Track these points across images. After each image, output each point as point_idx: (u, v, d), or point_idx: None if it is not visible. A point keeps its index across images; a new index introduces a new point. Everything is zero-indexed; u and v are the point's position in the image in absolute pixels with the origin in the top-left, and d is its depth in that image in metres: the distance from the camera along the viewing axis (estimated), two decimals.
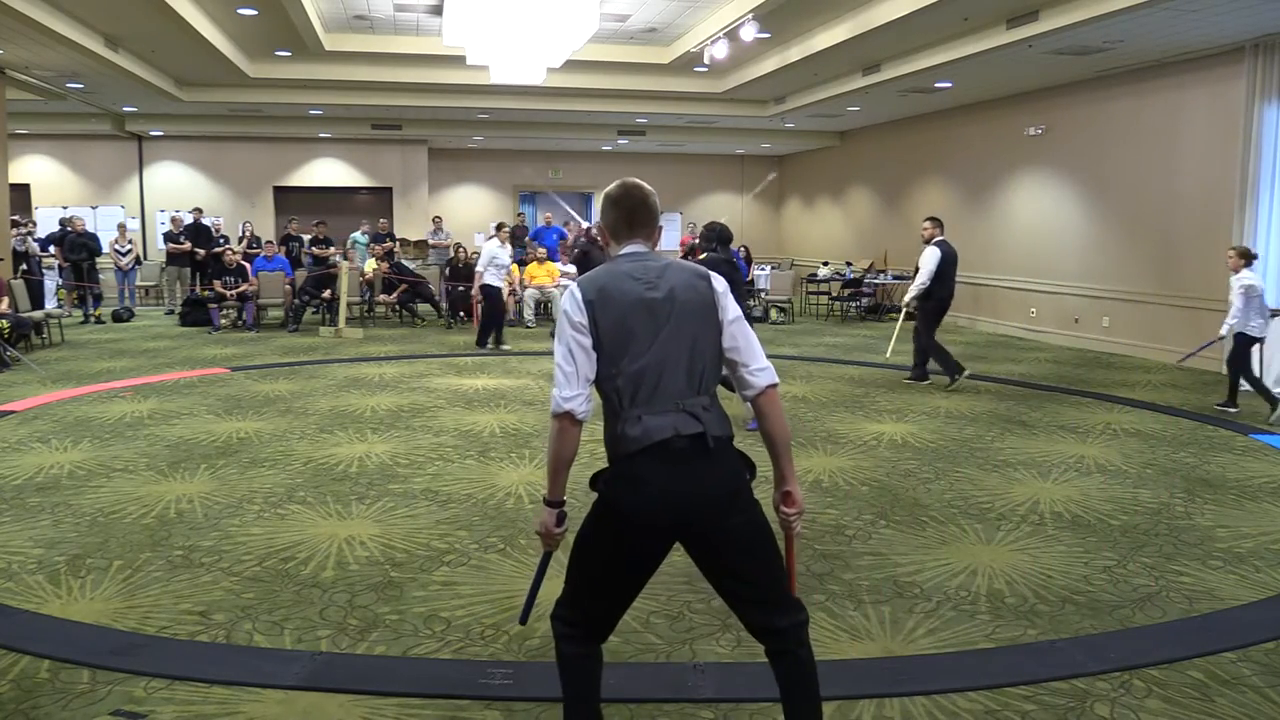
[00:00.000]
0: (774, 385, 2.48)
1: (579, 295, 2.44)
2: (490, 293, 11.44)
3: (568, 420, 2.41)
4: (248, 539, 4.67)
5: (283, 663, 3.37)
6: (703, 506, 2.37)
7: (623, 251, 2.54)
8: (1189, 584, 4.16)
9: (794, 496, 2.53)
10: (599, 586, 2.48)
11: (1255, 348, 7.77)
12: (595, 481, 2.47)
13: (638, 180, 2.61)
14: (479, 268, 11.60)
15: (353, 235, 15.91)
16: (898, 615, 3.80)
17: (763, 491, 2.47)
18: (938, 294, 9.00)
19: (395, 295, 14.45)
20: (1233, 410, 7.84)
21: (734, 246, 15.77)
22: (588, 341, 2.41)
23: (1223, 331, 7.75)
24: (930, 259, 8.92)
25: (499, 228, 12.19)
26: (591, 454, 5.41)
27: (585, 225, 17.31)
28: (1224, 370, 8.39)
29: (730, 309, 2.48)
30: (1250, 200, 9.51)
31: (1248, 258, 7.72)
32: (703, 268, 2.55)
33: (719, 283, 2.51)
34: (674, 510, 2.36)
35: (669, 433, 2.35)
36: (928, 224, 9.21)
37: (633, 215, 2.55)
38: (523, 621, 2.82)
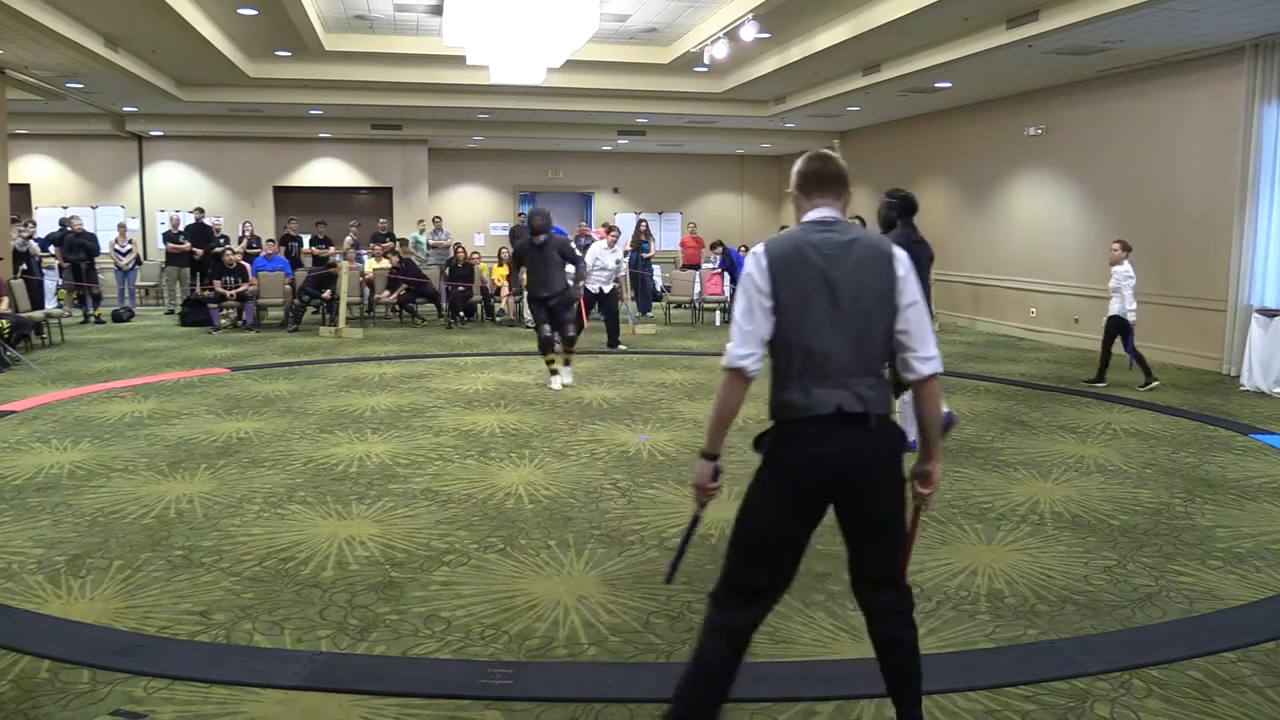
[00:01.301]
0: (936, 375, 2.56)
1: (764, 261, 2.50)
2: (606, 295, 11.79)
3: (739, 376, 2.49)
4: (248, 539, 4.67)
5: (283, 663, 3.37)
6: (860, 464, 2.47)
7: (812, 216, 2.59)
8: (1189, 584, 4.16)
9: (932, 475, 2.62)
10: (760, 550, 2.55)
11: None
12: (759, 442, 2.55)
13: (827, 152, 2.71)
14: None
15: (413, 234, 16.82)
16: None
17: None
18: None
19: (395, 295, 14.45)
20: (1101, 384, 9.07)
21: (733, 247, 15.86)
22: (769, 304, 2.48)
23: (1130, 318, 8.84)
24: None
25: (609, 229, 12.34)
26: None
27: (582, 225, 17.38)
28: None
29: (908, 292, 2.52)
30: (1250, 200, 9.50)
31: (1129, 250, 8.87)
32: (891, 245, 2.57)
33: (902, 265, 2.53)
34: (834, 463, 2.46)
35: (832, 408, 2.44)
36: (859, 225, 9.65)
37: (822, 175, 2.62)
38: (668, 580, 2.85)
